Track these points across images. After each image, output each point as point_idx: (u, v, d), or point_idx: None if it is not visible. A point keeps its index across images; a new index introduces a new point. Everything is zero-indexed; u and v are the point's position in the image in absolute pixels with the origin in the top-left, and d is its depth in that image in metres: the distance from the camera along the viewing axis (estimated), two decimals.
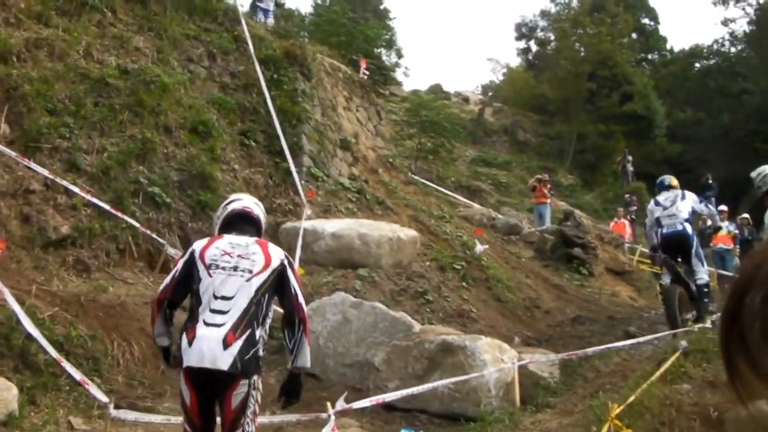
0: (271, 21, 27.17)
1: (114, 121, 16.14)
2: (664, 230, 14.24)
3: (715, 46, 62.30)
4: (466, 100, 58.53)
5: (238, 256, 6.54)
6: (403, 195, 24.12)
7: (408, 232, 18.49)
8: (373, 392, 11.75)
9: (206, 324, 6.27)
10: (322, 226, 17.29)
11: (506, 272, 20.76)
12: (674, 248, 14.19)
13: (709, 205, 15.86)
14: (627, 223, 32.38)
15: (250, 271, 6.46)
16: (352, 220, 18.55)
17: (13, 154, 13.89)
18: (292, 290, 6.57)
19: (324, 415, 8.98)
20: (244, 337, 6.23)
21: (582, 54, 52.22)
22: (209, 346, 6.15)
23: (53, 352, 9.90)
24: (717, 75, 58.48)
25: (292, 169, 19.29)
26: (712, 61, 61.94)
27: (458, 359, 11.94)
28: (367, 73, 28.24)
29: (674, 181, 15.27)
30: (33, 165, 14.03)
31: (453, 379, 11.46)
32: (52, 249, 13.54)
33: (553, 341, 16.18)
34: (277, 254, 6.69)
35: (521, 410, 11.34)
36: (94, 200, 14.41)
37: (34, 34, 16.41)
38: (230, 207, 7.13)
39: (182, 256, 6.87)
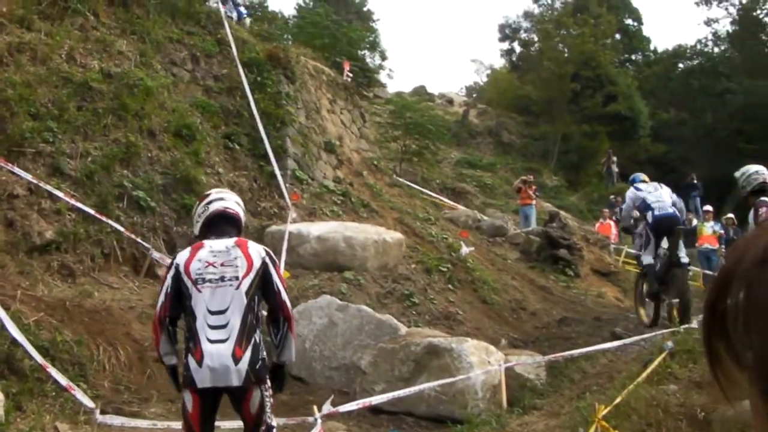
0: (247, 21, 26.98)
1: (97, 125, 16.08)
2: (656, 212, 14.68)
3: (698, 46, 62.65)
4: (450, 101, 58.63)
5: (221, 264, 6.61)
6: (388, 197, 24.12)
7: (393, 235, 18.48)
8: (360, 395, 11.74)
9: (210, 341, 6.39)
10: (308, 230, 17.25)
11: (492, 274, 20.78)
12: (665, 230, 14.61)
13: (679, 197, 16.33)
14: (612, 224, 32.39)
15: (237, 278, 6.55)
16: (337, 223, 18.50)
17: None
18: (276, 288, 6.68)
19: (311, 419, 8.99)
20: (250, 347, 6.42)
21: (565, 55, 52.39)
22: (221, 363, 6.32)
23: (39, 357, 9.88)
24: (700, 75, 58.69)
25: (277, 172, 19.25)
26: (695, 62, 62.24)
27: (444, 361, 11.93)
28: (351, 75, 28.29)
29: (646, 177, 15.95)
30: (16, 170, 13.96)
31: (439, 382, 11.46)
32: (37, 254, 13.48)
33: (539, 343, 16.19)
34: (258, 253, 6.74)
35: (508, 412, 11.34)
36: (79, 205, 14.36)
37: (17, 38, 16.34)
38: (212, 207, 7.11)
39: (168, 271, 6.91)
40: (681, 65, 62.99)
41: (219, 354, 6.32)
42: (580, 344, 14.55)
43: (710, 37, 61.68)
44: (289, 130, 20.95)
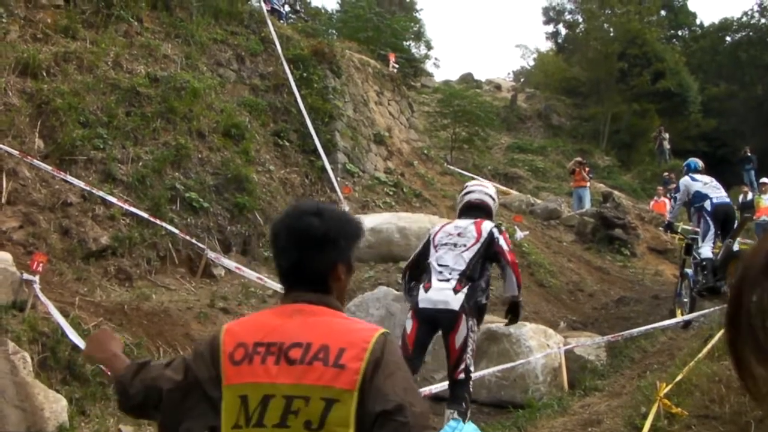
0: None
1: (147, 129, 16.22)
2: (715, 200, 14.40)
3: (744, 18, 61.66)
4: (498, 87, 58.37)
5: (458, 235, 8.77)
6: (440, 186, 24.09)
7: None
8: (420, 384, 11.72)
9: (438, 280, 8.42)
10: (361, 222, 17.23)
11: (548, 257, 20.70)
12: (722, 218, 14.40)
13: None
14: (667, 201, 32.02)
15: (464, 246, 8.62)
16: (390, 214, 18.48)
17: (48, 168, 13.96)
18: (498, 245, 8.69)
19: None
20: (467, 287, 8.30)
21: (611, 34, 51.77)
22: (444, 294, 8.27)
23: None
24: (748, 47, 57.81)
25: (327, 166, 19.33)
26: (742, 34, 61.34)
27: (504, 347, 11.93)
28: (397, 66, 28.26)
29: (701, 163, 15.82)
30: (69, 177, 14.10)
31: (500, 367, 11.45)
32: (93, 260, 13.60)
33: (598, 324, 16.10)
34: (487, 229, 8.76)
35: (569, 394, 11.31)
36: (132, 209, 14.48)
37: (63, 48, 16.51)
38: (465, 199, 9.58)
39: (423, 240, 9.41)
40: (728, 38, 62.14)
41: (443, 288, 8.29)
42: (640, 323, 14.45)
43: (756, 8, 60.78)
44: (338, 123, 21.02)
